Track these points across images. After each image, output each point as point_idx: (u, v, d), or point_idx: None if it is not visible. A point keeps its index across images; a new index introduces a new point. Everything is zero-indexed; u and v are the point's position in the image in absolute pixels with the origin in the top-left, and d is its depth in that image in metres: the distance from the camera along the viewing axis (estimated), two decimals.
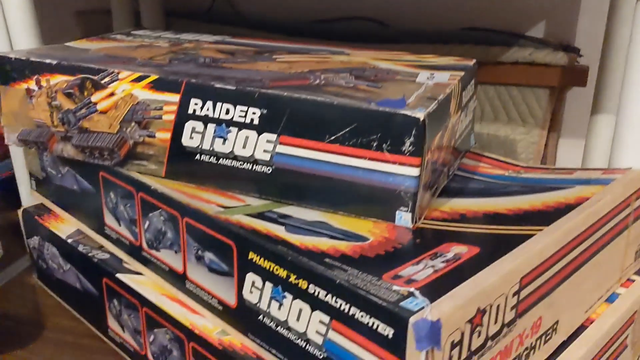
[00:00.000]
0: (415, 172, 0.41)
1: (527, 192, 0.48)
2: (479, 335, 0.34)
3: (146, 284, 0.51)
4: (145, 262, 0.51)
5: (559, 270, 0.40)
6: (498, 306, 0.35)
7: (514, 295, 0.36)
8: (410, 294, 0.33)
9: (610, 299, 0.46)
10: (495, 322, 0.35)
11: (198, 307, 0.47)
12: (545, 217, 0.42)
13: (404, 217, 0.42)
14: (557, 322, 0.41)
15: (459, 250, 0.38)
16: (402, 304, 0.32)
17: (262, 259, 0.40)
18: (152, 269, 0.51)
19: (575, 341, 0.42)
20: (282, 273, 0.38)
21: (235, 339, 0.44)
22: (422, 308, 0.32)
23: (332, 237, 0.41)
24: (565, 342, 0.42)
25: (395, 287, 0.34)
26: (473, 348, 0.34)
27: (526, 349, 0.38)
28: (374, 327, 0.33)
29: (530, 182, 0.50)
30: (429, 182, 0.44)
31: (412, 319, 0.31)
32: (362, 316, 0.34)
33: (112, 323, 0.55)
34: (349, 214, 0.44)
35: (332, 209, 0.44)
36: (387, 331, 0.33)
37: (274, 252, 0.39)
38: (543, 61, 0.71)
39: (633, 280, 0.49)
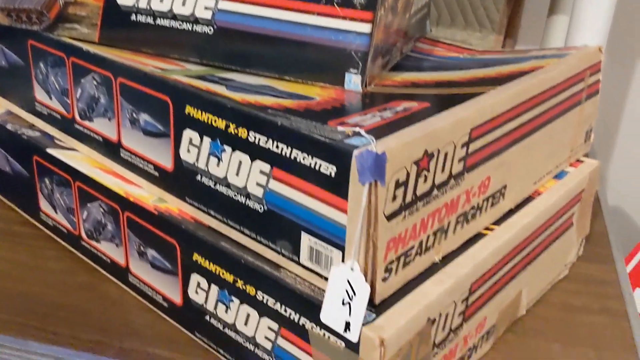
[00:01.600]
0: (367, 28, 0.39)
1: (481, 67, 0.46)
2: (425, 181, 0.32)
3: (78, 157, 0.48)
4: (79, 136, 0.48)
5: (510, 131, 0.38)
6: (446, 154, 0.33)
7: (462, 146, 0.35)
8: (356, 134, 0.31)
9: (559, 176, 0.46)
10: (443, 170, 0.34)
11: (133, 176, 0.44)
12: (499, 81, 0.40)
13: (353, 80, 0.40)
14: (505, 187, 0.40)
15: (409, 105, 0.37)
16: (346, 140, 0.31)
17: (199, 112, 0.37)
18: (86, 143, 0.47)
19: (521, 210, 0.41)
20: (221, 124, 0.36)
21: (172, 205, 0.41)
22: (368, 144, 0.30)
23: (276, 97, 0.38)
24: (512, 211, 0.41)
25: (340, 129, 0.32)
26: (419, 193, 0.32)
27: (473, 207, 0.37)
28: (316, 167, 0.31)
29: (485, 61, 0.48)
30: (381, 46, 0.42)
31: (355, 152, 0.29)
32: (304, 158, 0.32)
33: (44, 205, 0.52)
34: (296, 79, 0.41)
35: (278, 73, 0.42)
36: (330, 170, 0.31)
37: (213, 102, 0.36)
38: None
39: (582, 161, 0.49)
